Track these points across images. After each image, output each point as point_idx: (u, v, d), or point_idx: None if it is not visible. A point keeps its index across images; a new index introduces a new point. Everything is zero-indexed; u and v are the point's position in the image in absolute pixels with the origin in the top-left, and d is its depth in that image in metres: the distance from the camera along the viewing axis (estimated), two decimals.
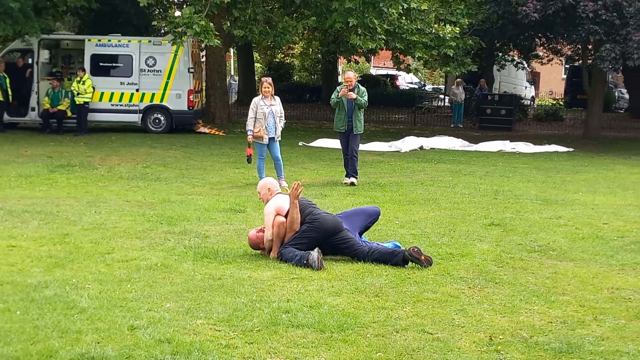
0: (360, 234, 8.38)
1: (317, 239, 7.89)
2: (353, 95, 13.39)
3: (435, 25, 21.36)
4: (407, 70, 26.62)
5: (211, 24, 19.94)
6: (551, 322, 6.03)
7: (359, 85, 13.85)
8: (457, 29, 21.41)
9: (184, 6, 20.60)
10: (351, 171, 13.73)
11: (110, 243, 8.44)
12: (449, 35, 21.16)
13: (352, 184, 13.48)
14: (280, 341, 5.46)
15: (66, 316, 5.85)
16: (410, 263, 7.65)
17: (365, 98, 13.65)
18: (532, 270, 7.70)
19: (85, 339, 5.38)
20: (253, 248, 8.19)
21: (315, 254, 7.51)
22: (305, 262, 7.52)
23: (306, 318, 5.93)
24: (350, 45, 22.18)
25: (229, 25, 21.44)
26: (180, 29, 19.80)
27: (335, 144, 17.04)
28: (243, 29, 21.50)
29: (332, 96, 13.78)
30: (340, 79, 46.59)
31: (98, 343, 5.30)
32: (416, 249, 7.64)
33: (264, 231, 8.09)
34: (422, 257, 7.61)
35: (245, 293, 6.59)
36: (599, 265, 7.99)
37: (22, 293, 6.42)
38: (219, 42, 20.43)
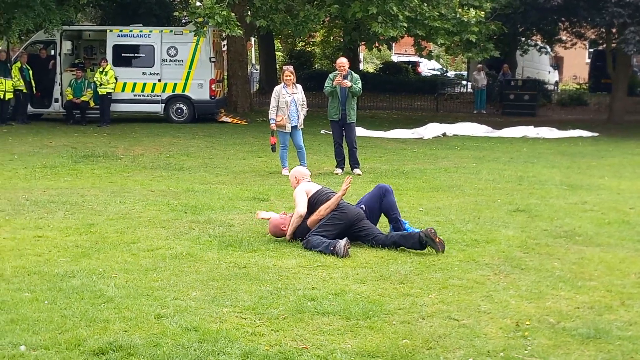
0: (387, 214, 8.39)
1: (341, 227, 7.94)
2: (348, 83, 13.16)
3: (460, 10, 21.13)
4: (429, 56, 26.41)
5: (233, 14, 19.93)
6: (578, 308, 5.99)
7: (352, 72, 13.63)
8: (482, 12, 21.18)
9: None
10: (353, 162, 13.55)
11: (135, 232, 8.48)
12: (474, 19, 20.93)
13: (359, 174, 13.26)
14: (306, 328, 5.46)
15: (93, 305, 5.89)
16: (427, 248, 7.64)
17: (359, 85, 13.40)
18: (558, 256, 7.65)
19: (113, 327, 5.42)
20: (275, 236, 8.18)
21: (342, 242, 7.53)
22: (332, 249, 7.53)
23: (331, 305, 5.93)
24: (372, 33, 22.06)
25: (250, 15, 21.39)
26: (201, 19, 19.81)
27: (359, 131, 16.99)
28: (265, 18, 21.47)
29: (326, 84, 13.42)
30: (362, 66, 46.53)
31: (125, 332, 5.34)
32: (432, 230, 7.64)
33: (284, 216, 8.22)
34: (437, 240, 7.61)
35: (270, 281, 6.60)
36: (625, 250, 7.92)
37: (50, 283, 6.47)
38: (241, 32, 20.42)
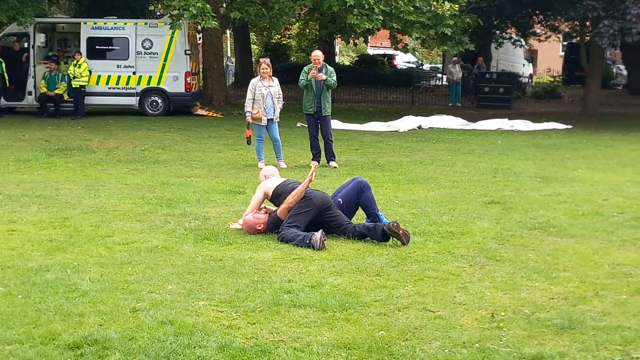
0: (366, 210, 8.44)
1: (311, 214, 7.99)
2: (323, 76, 13.14)
3: (434, 3, 21.17)
4: (405, 50, 26.44)
5: (208, 6, 19.83)
6: (552, 299, 6.04)
7: (327, 65, 13.60)
8: (456, 5, 21.24)
9: None
10: (329, 155, 13.53)
11: (110, 226, 8.43)
12: (448, 12, 20.99)
13: (335, 167, 13.29)
14: (283, 321, 5.46)
15: (68, 299, 5.85)
16: (392, 240, 7.73)
17: (334, 78, 13.40)
18: (533, 247, 7.71)
19: (88, 321, 5.39)
20: (250, 232, 8.15)
21: (318, 235, 7.54)
22: (307, 242, 7.53)
23: (308, 298, 5.94)
24: (347, 26, 22.05)
25: (225, 7, 21.29)
26: (176, 12, 19.70)
27: (335, 124, 17.00)
28: (239, 10, 21.39)
29: (301, 78, 13.39)
30: (337, 59, 46.50)
31: (101, 325, 5.31)
32: (395, 224, 7.72)
33: (257, 215, 8.25)
34: (400, 232, 7.67)
35: (246, 274, 6.60)
36: (599, 241, 8.00)
37: (24, 277, 6.42)
38: (216, 23, 20.34)
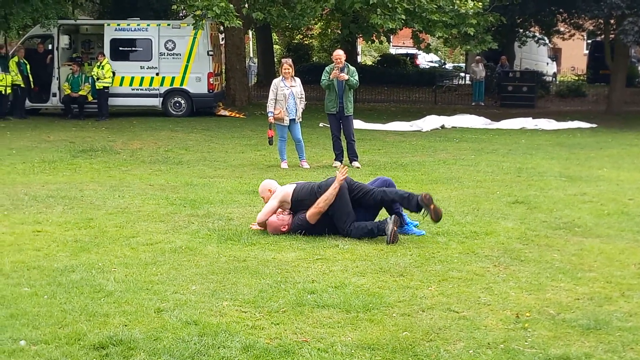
0: (389, 208, 8.43)
1: (346, 200, 8.03)
2: (345, 76, 13.13)
3: (457, 2, 21.05)
4: (427, 50, 26.30)
5: (231, 5, 19.86)
6: (578, 299, 5.99)
7: (349, 64, 13.57)
8: (480, 4, 21.13)
9: None
10: (352, 155, 13.49)
11: (134, 227, 8.47)
12: (472, 10, 20.86)
13: (358, 167, 13.22)
14: (306, 322, 5.46)
15: (93, 300, 5.89)
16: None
17: (356, 77, 13.38)
18: (558, 247, 7.65)
19: (113, 322, 5.42)
20: (274, 233, 8.13)
21: (391, 225, 7.70)
22: (380, 230, 7.77)
23: (331, 298, 5.93)
24: (370, 25, 22.00)
25: (247, 7, 21.32)
26: (199, 12, 19.75)
27: (357, 124, 16.97)
28: (261, 11, 21.41)
29: (323, 77, 13.38)
30: (360, 59, 46.46)
31: (125, 326, 5.33)
32: (428, 196, 7.81)
33: (280, 214, 8.20)
34: (432, 207, 7.78)
35: (270, 274, 6.60)
36: (625, 241, 7.92)
37: (49, 277, 6.46)
38: (239, 23, 20.36)
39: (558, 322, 5.47)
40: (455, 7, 21.03)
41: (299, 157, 13.43)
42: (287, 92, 13.03)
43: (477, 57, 30.84)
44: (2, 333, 5.19)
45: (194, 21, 20.49)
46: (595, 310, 5.71)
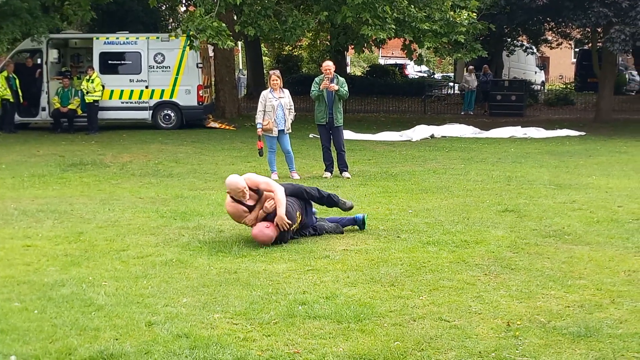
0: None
1: (292, 190, 8.55)
2: (335, 87, 13.11)
3: (452, 13, 21.05)
4: (419, 61, 26.23)
5: (224, 25, 19.79)
6: (568, 307, 6.01)
7: (338, 75, 13.56)
8: (474, 14, 21.16)
9: (195, 6, 20.43)
10: (342, 166, 13.48)
11: (125, 240, 8.46)
12: (466, 20, 20.87)
13: (348, 178, 13.22)
14: (298, 333, 5.46)
15: (84, 314, 5.87)
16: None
17: (346, 88, 13.36)
18: (548, 255, 7.67)
19: (104, 336, 5.40)
20: (265, 243, 8.10)
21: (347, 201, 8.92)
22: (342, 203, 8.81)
23: (322, 309, 5.93)
24: (360, 36, 22.03)
25: (239, 25, 21.28)
26: (192, 33, 19.66)
27: (347, 134, 17.00)
28: (252, 25, 21.38)
29: (312, 88, 13.37)
30: (349, 69, 46.54)
31: (116, 340, 5.32)
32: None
33: (269, 227, 8.15)
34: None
35: (261, 286, 6.59)
36: (614, 248, 7.95)
37: (39, 292, 6.44)
38: (232, 43, 20.32)
39: (549, 330, 5.48)
40: (449, 17, 20.93)
41: (289, 168, 13.45)
42: (275, 104, 13.05)
43: (470, 67, 30.96)
44: None
45: (189, 42, 20.47)
46: (586, 318, 5.73)
